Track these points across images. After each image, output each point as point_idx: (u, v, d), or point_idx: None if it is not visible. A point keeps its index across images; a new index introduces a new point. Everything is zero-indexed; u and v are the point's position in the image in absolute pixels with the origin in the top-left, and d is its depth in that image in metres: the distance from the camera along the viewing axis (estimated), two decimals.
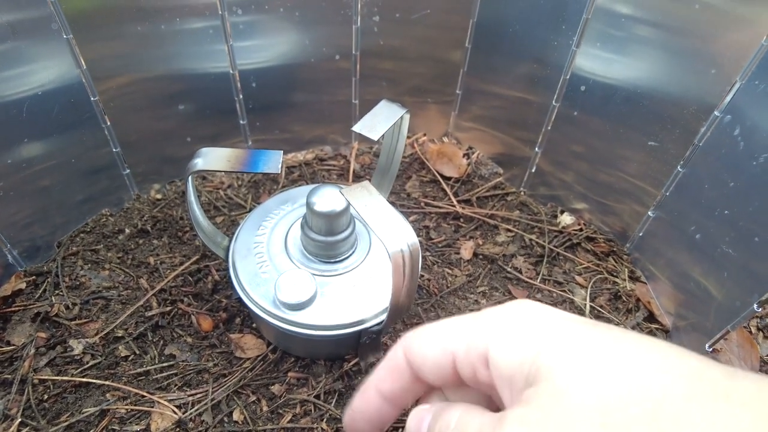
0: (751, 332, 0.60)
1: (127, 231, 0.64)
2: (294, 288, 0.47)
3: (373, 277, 0.50)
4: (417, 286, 0.47)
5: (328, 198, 0.47)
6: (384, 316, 0.48)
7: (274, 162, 0.44)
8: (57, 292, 0.57)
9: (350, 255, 0.51)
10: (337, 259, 0.51)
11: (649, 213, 0.61)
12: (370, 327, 0.48)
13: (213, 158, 0.45)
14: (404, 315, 0.57)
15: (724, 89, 0.49)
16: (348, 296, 0.48)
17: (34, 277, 0.58)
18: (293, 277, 0.48)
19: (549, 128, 0.66)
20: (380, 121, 0.49)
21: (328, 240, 0.49)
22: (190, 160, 0.46)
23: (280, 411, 0.50)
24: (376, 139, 0.48)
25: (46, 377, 0.50)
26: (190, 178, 0.47)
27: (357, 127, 0.48)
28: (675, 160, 0.56)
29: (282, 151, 0.45)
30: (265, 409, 0.50)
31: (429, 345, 0.26)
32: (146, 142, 0.66)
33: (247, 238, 0.53)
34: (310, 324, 0.47)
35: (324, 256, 0.50)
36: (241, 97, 0.66)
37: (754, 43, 0.45)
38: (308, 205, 0.47)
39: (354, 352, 0.54)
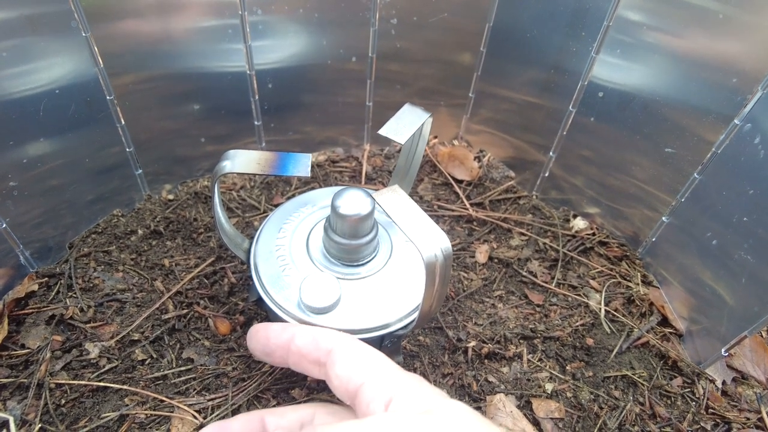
0: (762, 336, 0.61)
1: (140, 232, 0.63)
2: (319, 291, 0.46)
3: (396, 281, 0.50)
4: (447, 291, 0.47)
5: (354, 201, 0.47)
6: (407, 320, 0.48)
7: (303, 165, 0.44)
8: (70, 294, 0.56)
9: (372, 258, 0.51)
10: (360, 263, 0.51)
11: (663, 219, 0.61)
12: (395, 331, 0.48)
13: (242, 161, 0.44)
14: (430, 320, 0.57)
15: (745, 98, 0.49)
16: (371, 300, 0.48)
17: (46, 278, 0.57)
18: (318, 280, 0.47)
19: (564, 134, 0.66)
20: (405, 125, 0.49)
21: (351, 243, 0.48)
22: (217, 162, 0.45)
23: None
24: (402, 143, 0.48)
25: (63, 381, 0.49)
26: (217, 181, 0.46)
27: (383, 131, 0.48)
28: (691, 167, 0.56)
29: (311, 155, 0.44)
30: None
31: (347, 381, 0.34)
32: (159, 142, 0.65)
33: (269, 241, 0.52)
34: (334, 328, 0.46)
35: (346, 260, 0.50)
36: (257, 98, 0.66)
37: None
38: (333, 208, 0.47)
39: None
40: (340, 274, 0.49)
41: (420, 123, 0.50)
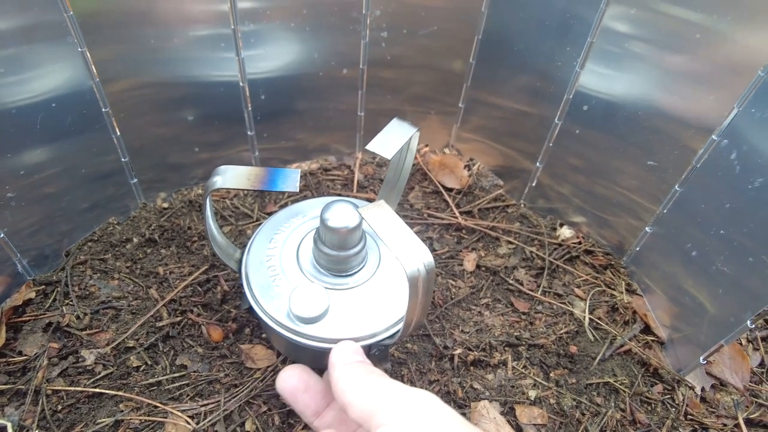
0: (741, 344, 0.62)
1: (135, 240, 0.64)
2: (308, 302, 0.48)
3: (384, 291, 0.51)
4: (430, 303, 0.49)
5: (342, 214, 0.48)
6: (394, 329, 0.49)
7: (292, 181, 0.45)
8: (67, 301, 0.57)
9: (361, 269, 0.53)
10: (348, 273, 0.52)
11: (647, 229, 0.63)
12: (381, 340, 0.49)
13: (232, 176, 0.46)
14: (416, 329, 0.59)
15: (722, 115, 0.51)
16: (359, 310, 0.50)
17: (43, 286, 0.58)
18: (307, 290, 0.49)
19: (551, 144, 0.67)
20: (392, 139, 0.51)
21: (340, 254, 0.50)
22: (209, 177, 0.46)
23: (291, 421, 0.51)
24: (389, 158, 0.49)
25: (60, 388, 0.50)
26: (208, 195, 0.48)
27: (371, 146, 0.49)
28: (673, 179, 0.58)
29: (300, 170, 0.46)
30: (276, 419, 0.51)
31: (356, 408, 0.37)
32: (153, 151, 0.66)
33: (260, 251, 0.54)
34: (322, 337, 0.48)
35: (335, 270, 0.51)
36: (249, 108, 0.67)
37: (752, 73, 0.47)
38: (322, 220, 0.48)
39: None
40: (329, 284, 0.51)
41: (407, 138, 0.51)
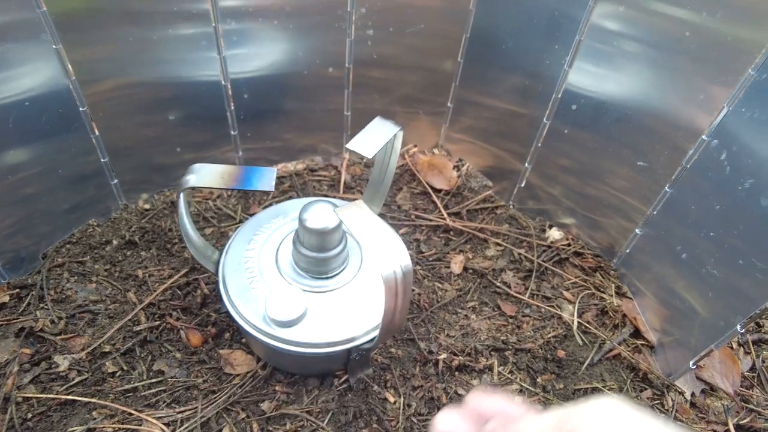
0: (732, 348, 0.61)
1: (115, 242, 0.63)
2: (284, 305, 0.47)
3: (364, 294, 0.50)
4: (409, 306, 0.47)
5: (321, 215, 0.47)
6: (374, 333, 0.48)
7: (267, 179, 0.44)
8: (42, 305, 0.56)
9: (341, 271, 0.51)
10: (328, 275, 0.51)
11: (637, 230, 0.62)
12: (361, 345, 0.48)
13: (205, 175, 0.45)
14: (396, 333, 0.57)
15: (712, 114, 0.50)
16: (338, 313, 0.48)
17: (17, 290, 0.57)
18: (284, 293, 0.47)
19: (540, 144, 0.66)
20: (374, 138, 0.49)
21: (319, 256, 0.48)
22: (182, 175, 0.45)
23: (271, 428, 0.50)
24: (370, 157, 0.48)
25: (30, 395, 0.49)
26: (182, 194, 0.46)
27: (351, 145, 0.48)
28: (663, 180, 0.57)
29: (275, 169, 0.45)
30: (255, 426, 0.50)
31: None
32: (135, 151, 0.65)
33: (238, 252, 0.52)
34: (300, 341, 0.47)
35: (315, 272, 0.50)
36: (232, 107, 0.66)
37: (742, 72, 0.46)
38: (300, 221, 0.47)
39: (344, 367, 0.54)
40: (308, 287, 0.49)
41: (390, 137, 0.50)
